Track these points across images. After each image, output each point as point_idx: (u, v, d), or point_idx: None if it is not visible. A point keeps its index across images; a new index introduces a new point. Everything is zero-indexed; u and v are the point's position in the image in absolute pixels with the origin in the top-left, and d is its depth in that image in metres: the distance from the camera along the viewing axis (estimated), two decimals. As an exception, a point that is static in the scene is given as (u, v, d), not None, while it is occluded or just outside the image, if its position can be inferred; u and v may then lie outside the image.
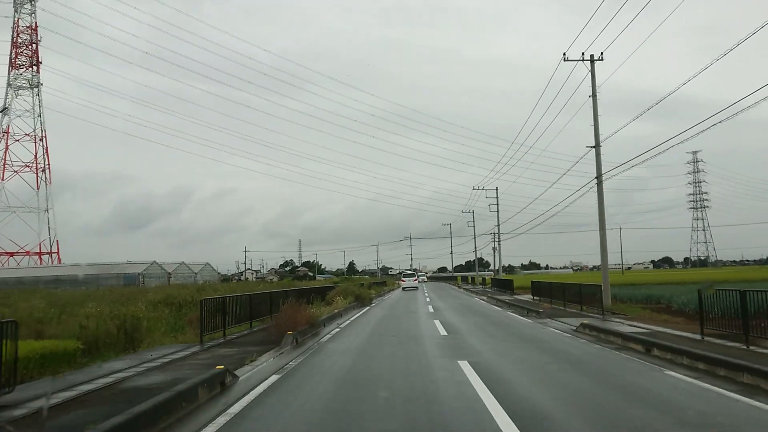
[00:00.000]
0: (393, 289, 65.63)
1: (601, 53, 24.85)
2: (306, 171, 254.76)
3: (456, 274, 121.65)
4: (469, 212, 79.16)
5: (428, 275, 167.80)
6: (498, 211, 60.93)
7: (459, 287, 67.24)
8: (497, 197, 60.87)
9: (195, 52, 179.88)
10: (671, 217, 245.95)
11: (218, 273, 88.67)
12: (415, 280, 66.72)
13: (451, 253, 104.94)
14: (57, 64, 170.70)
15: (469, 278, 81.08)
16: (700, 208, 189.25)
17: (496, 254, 72.67)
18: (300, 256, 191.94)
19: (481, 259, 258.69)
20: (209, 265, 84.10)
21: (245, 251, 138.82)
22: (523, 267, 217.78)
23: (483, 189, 61.19)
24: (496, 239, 60.98)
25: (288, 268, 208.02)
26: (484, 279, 62.22)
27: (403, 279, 67.38)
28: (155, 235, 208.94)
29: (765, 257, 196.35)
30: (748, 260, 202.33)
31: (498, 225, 60.77)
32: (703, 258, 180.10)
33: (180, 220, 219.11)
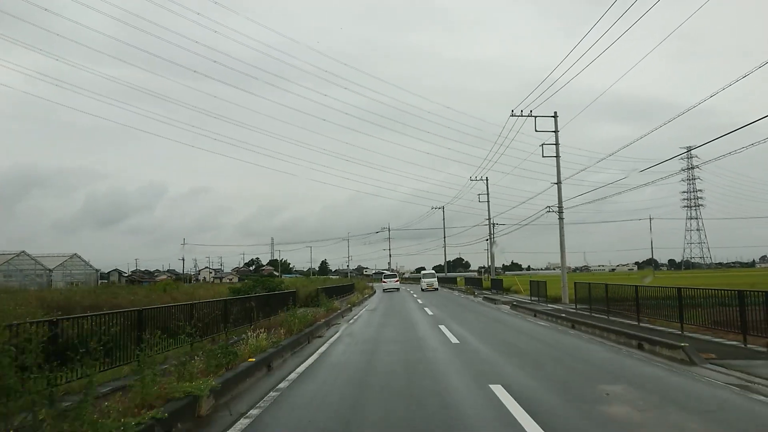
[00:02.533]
0: (361, 302, 34.33)
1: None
2: (283, 168, 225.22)
3: (450, 275, 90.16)
4: (479, 179, 48.40)
5: (407, 276, 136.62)
6: (558, 155, 30.04)
7: (492, 303, 32.46)
8: (556, 130, 29.98)
9: (171, 46, 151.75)
10: (656, 217, 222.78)
11: (97, 270, 55.71)
12: (396, 280, 59.03)
13: (444, 246, 73.73)
14: (26, 56, 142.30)
15: (485, 280, 49.48)
16: (695, 206, 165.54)
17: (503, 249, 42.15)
18: (272, 255, 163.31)
19: (460, 260, 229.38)
20: (78, 257, 51.17)
21: (183, 244, 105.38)
22: (505, 268, 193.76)
23: (532, 116, 30.13)
24: (556, 209, 30.07)
25: (252, 267, 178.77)
26: (541, 287, 29.65)
27: (384, 280, 58.91)
28: (125, 233, 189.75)
29: (750, 260, 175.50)
30: (734, 263, 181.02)
31: (559, 182, 29.94)
32: (689, 259, 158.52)
33: (152, 218, 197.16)
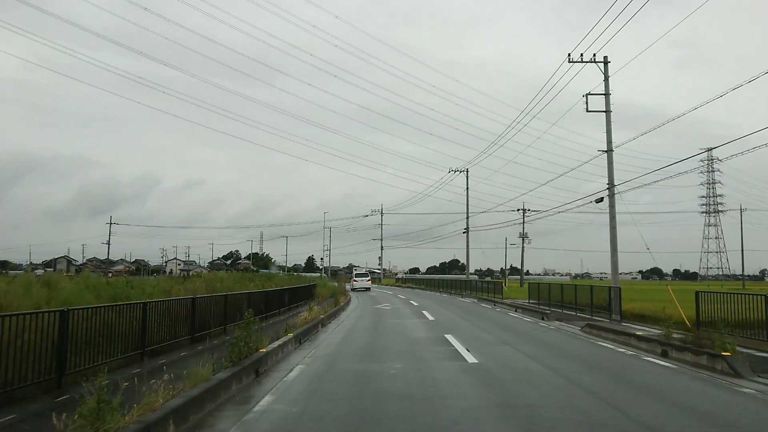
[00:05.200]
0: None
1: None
2: (277, 164, 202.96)
3: (448, 277, 61.97)
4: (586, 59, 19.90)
5: (401, 276, 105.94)
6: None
7: None
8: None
9: (167, 36, 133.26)
10: (662, 224, 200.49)
11: None
12: (368, 280, 49.43)
13: (468, 230, 44.69)
14: (21, 40, 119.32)
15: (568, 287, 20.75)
16: (714, 213, 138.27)
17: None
18: (261, 248, 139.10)
19: (456, 261, 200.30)
20: None
21: (110, 223, 76.09)
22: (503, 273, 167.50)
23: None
24: None
25: (230, 261, 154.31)
26: None
27: (354, 279, 47.75)
28: (116, 224, 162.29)
29: (752, 273, 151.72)
30: (740, 275, 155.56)
31: None
32: (696, 271, 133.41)
33: (143, 210, 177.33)
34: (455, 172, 42.33)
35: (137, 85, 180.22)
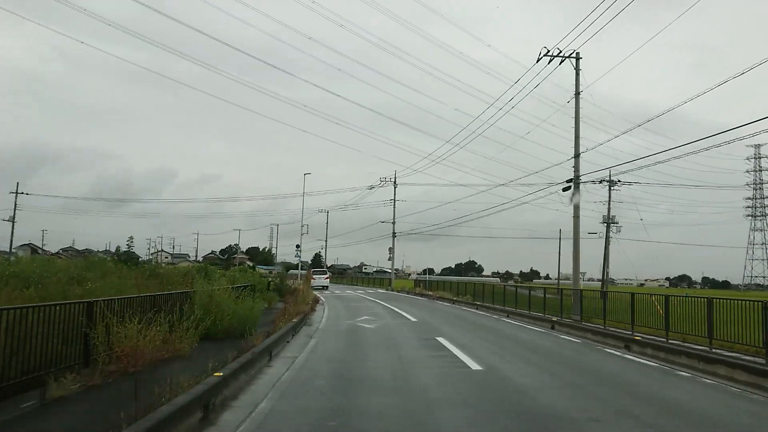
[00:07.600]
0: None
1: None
2: (293, 161, 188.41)
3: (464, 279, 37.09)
4: None
5: (416, 277, 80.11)
6: None
7: None
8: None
9: (182, 30, 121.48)
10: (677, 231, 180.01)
11: None
12: (326, 277, 46.34)
13: (574, 182, 21.05)
14: (38, 30, 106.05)
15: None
16: (761, 216, 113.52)
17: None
18: (270, 246, 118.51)
19: (473, 263, 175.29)
20: None
21: (16, 193, 54.08)
22: (524, 276, 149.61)
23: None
24: None
25: (225, 256, 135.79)
26: None
27: (313, 277, 44.18)
28: (131, 216, 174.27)
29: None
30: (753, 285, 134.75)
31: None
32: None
33: (157, 204, 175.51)
34: (556, 56, 19.01)
35: (145, 79, 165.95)
